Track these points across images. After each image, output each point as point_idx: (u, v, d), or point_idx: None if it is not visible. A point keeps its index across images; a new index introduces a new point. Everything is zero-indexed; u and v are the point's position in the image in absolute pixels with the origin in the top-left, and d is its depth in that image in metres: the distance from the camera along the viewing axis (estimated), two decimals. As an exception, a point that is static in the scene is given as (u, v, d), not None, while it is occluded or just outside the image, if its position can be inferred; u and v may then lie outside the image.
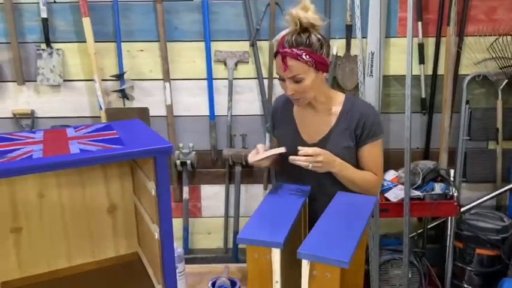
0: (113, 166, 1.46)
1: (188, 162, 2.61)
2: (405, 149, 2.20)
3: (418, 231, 2.62)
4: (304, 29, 1.41)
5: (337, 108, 1.57)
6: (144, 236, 1.47)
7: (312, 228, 1.18)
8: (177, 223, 2.74)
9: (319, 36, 1.44)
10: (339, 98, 1.60)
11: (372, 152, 1.56)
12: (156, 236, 1.21)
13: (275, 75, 1.72)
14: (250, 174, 2.69)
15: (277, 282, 1.14)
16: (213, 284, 1.38)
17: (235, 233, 2.72)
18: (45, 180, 1.38)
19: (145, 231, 1.43)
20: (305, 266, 1.06)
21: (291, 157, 1.43)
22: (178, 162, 2.61)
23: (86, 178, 1.43)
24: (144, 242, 1.48)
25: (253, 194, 2.72)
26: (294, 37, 1.41)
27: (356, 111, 1.55)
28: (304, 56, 1.39)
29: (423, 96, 2.54)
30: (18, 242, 1.39)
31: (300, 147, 1.43)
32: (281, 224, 1.20)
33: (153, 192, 1.19)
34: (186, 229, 2.72)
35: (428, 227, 2.60)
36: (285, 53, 1.40)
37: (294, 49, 1.40)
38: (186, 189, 2.69)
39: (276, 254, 1.13)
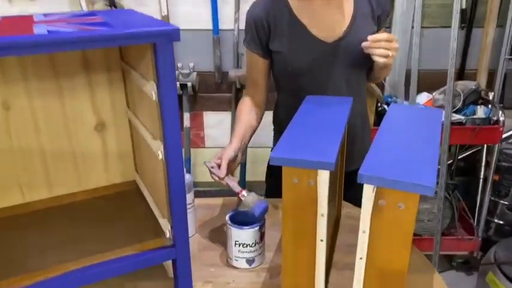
0: (99, 71, 1.13)
1: (189, 84, 2.27)
2: (449, 64, 1.87)
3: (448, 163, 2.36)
4: None
5: None
6: (143, 160, 1.17)
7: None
8: (177, 154, 2.45)
9: None
10: None
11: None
12: (160, 155, 0.90)
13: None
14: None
15: (322, 215, 0.86)
16: (232, 218, 1.10)
17: (243, 165, 2.44)
18: (10, 88, 1.05)
19: (144, 154, 1.13)
20: (369, 193, 0.76)
21: (364, 43, 1.13)
22: (177, 84, 2.26)
23: (65, 86, 1.10)
24: (143, 167, 1.19)
25: (263, 123, 2.40)
26: None
27: None
28: None
29: (463, 6, 2.17)
30: (-19, 167, 1.09)
31: (369, 36, 1.14)
32: (327, 140, 0.90)
33: (154, 96, 0.87)
34: (188, 161, 2.44)
35: (459, 157, 2.33)
36: None
37: None
38: (186, 116, 2.38)
39: (324, 179, 0.83)
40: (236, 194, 1.13)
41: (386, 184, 0.74)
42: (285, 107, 1.38)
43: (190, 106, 2.38)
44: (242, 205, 1.11)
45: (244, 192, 1.11)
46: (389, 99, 2.13)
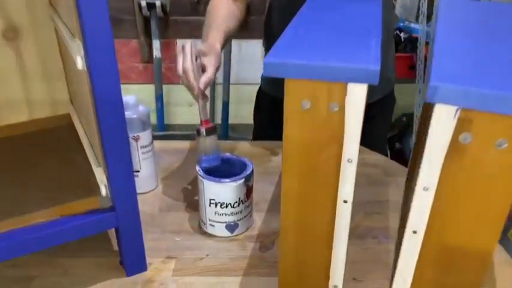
0: None
1: (157, 4, 1.87)
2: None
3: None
4: None
5: None
6: (75, 82, 0.81)
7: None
8: (147, 91, 2.09)
9: None
10: None
11: None
12: (80, 62, 0.54)
13: None
14: (243, 25, 1.98)
15: (350, 161, 0.52)
16: (205, 166, 0.76)
17: (225, 103, 2.08)
18: None
19: (75, 73, 0.77)
20: (446, 121, 0.42)
21: None
22: (143, 3, 1.86)
23: None
24: (77, 94, 0.83)
25: (249, 53, 2.03)
26: None
27: None
28: None
29: None
30: None
31: None
32: (360, 38, 0.55)
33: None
34: (159, 98, 2.07)
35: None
36: None
37: None
38: (156, 44, 1.98)
39: (359, 99, 0.49)
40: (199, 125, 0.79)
41: (481, 104, 0.40)
42: (281, 12, 1.01)
43: (161, 32, 1.98)
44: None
45: (203, 129, 0.77)
46: (402, 24, 1.77)
